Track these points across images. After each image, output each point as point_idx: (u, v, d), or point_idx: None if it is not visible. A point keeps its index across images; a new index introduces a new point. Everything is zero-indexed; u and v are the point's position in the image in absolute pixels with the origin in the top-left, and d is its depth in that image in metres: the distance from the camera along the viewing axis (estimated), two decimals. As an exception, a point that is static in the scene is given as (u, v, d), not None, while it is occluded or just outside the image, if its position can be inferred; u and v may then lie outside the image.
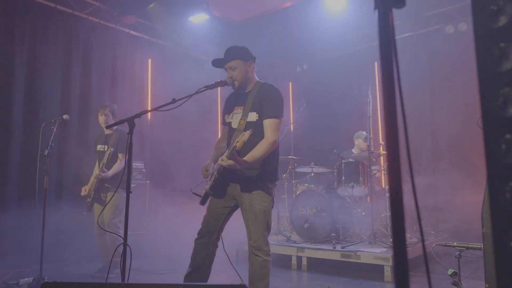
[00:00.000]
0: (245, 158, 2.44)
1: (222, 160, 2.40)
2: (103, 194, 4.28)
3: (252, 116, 2.63)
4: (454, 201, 5.91)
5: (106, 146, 4.34)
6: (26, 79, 5.21)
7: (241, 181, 2.60)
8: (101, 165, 4.24)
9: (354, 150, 5.85)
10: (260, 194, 2.57)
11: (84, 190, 4.31)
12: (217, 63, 2.74)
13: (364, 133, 5.86)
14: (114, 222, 4.17)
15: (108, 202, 4.01)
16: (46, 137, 3.82)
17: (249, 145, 2.49)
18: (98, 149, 4.44)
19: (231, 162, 2.37)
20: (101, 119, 4.37)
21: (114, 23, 6.24)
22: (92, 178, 4.38)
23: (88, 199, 4.27)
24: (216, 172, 2.55)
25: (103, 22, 6.11)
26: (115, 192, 3.47)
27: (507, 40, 0.87)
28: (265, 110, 2.61)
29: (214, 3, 6.28)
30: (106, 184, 4.26)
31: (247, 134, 2.32)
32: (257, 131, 2.55)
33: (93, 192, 4.23)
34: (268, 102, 2.61)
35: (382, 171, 5.53)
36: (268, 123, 2.59)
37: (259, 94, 2.66)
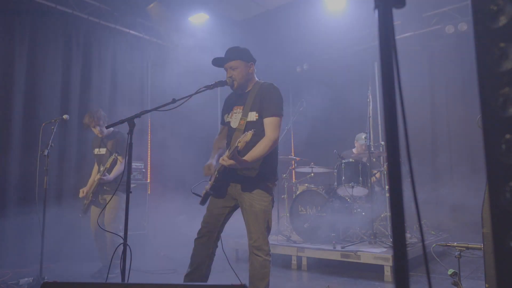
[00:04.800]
0: (245, 158, 2.44)
1: (223, 160, 2.41)
2: (101, 196, 4.26)
3: (252, 116, 2.62)
4: (454, 201, 5.91)
5: (104, 149, 4.32)
6: (26, 79, 5.20)
7: (242, 181, 2.60)
8: (102, 169, 4.18)
9: (355, 150, 5.85)
10: (260, 193, 2.57)
11: (82, 192, 4.29)
12: (217, 62, 2.72)
13: (363, 137, 5.85)
14: (115, 226, 4.15)
15: (107, 203, 3.97)
16: (46, 137, 3.82)
17: (250, 144, 2.49)
18: (96, 152, 4.43)
19: (232, 162, 2.38)
20: (96, 130, 4.33)
21: (114, 23, 6.24)
22: (91, 181, 4.37)
23: (85, 201, 4.25)
24: (216, 172, 2.56)
25: (103, 22, 6.10)
26: (113, 194, 3.45)
27: (507, 40, 0.87)
28: (265, 109, 2.60)
29: (214, 2, 6.28)
30: (105, 187, 4.24)
31: (249, 134, 2.31)
32: (257, 131, 2.54)
33: (91, 195, 4.20)
34: (268, 101, 2.60)
35: (382, 171, 5.53)
36: (268, 122, 2.58)
37: (259, 93, 2.65)
